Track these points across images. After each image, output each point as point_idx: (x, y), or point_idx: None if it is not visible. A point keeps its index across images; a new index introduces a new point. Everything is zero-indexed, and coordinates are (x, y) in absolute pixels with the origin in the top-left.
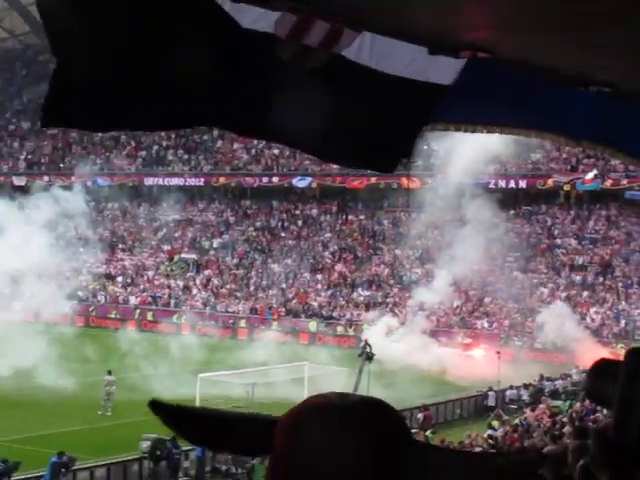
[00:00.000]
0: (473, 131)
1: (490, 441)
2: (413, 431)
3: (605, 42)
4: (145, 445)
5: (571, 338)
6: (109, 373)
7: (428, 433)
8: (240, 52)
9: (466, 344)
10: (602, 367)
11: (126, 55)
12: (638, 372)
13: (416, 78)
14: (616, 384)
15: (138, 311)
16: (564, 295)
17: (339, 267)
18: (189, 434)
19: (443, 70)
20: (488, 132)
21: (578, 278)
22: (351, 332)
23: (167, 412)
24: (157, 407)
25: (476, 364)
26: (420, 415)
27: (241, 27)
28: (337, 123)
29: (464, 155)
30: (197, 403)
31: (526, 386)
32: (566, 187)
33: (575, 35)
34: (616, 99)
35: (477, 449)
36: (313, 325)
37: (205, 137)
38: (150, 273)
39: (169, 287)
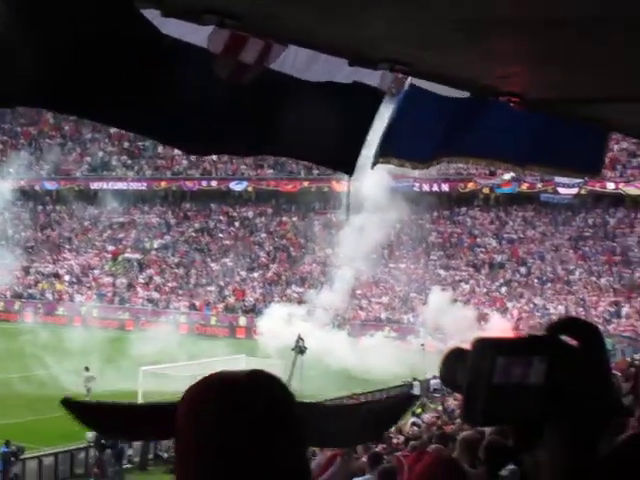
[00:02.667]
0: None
1: (415, 427)
2: None
3: (510, 52)
4: (91, 435)
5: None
6: (87, 369)
7: None
8: (174, 64)
9: (393, 337)
10: (454, 355)
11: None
12: (482, 359)
13: (340, 80)
14: (464, 370)
15: (84, 308)
16: (484, 291)
17: (274, 266)
18: (103, 428)
19: (370, 74)
20: (438, 163)
21: (497, 275)
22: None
23: (79, 409)
24: (69, 405)
25: (403, 356)
26: None
27: (168, 37)
28: (282, 128)
29: None
30: (140, 396)
31: None
32: (485, 190)
33: (483, 46)
34: (547, 117)
35: (401, 436)
36: (243, 320)
37: (147, 143)
38: (96, 272)
39: (114, 285)
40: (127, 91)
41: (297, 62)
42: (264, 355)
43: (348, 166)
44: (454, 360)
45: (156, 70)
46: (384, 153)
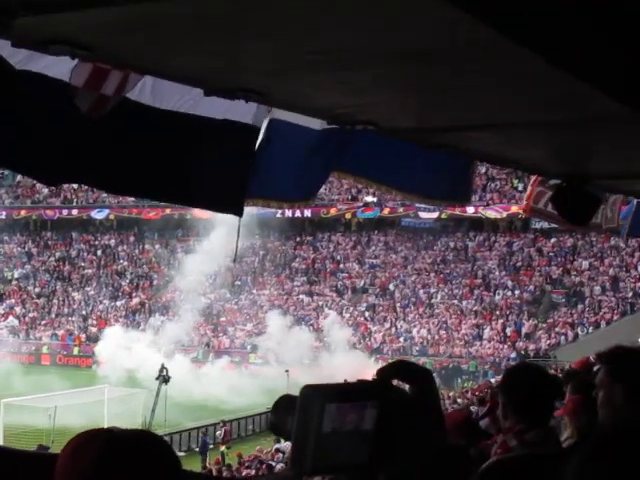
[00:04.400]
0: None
1: (280, 454)
2: (211, 446)
3: (365, 82)
4: None
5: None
6: None
7: (223, 448)
8: (28, 97)
9: (258, 364)
10: (284, 402)
11: None
12: (310, 406)
13: (202, 114)
14: (293, 418)
15: None
16: (348, 316)
17: (137, 294)
18: None
19: (245, 111)
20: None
21: (360, 299)
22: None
23: None
24: None
25: (268, 381)
26: (220, 430)
27: (15, 69)
28: (147, 163)
29: None
30: (1, 430)
31: None
32: (347, 215)
33: (338, 76)
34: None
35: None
36: (98, 349)
37: (6, 172)
38: None
39: None
40: None
41: (158, 92)
42: (118, 384)
43: (235, 207)
44: (284, 408)
45: (5, 101)
46: (257, 194)
